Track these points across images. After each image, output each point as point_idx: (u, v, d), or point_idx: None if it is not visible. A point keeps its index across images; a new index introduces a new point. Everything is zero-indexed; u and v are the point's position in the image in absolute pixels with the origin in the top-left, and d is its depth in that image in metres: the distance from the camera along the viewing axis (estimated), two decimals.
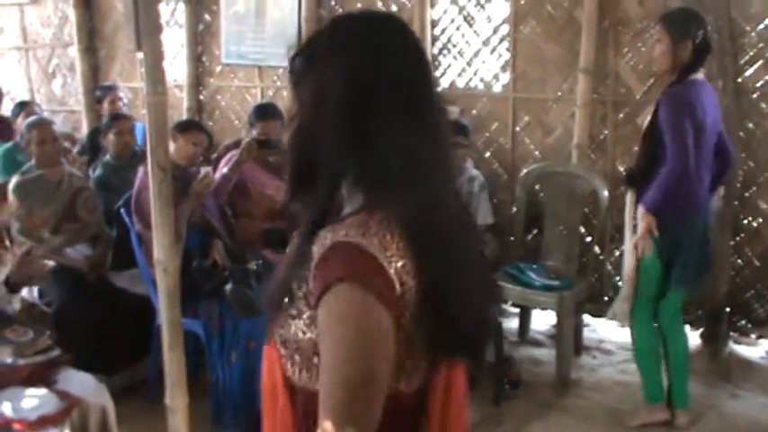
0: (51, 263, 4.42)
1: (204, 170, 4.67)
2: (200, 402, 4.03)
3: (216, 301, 4.34)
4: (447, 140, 1.54)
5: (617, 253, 5.28)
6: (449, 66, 6.13)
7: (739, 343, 5.36)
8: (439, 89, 1.54)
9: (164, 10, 7.20)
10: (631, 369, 4.67)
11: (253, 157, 4.81)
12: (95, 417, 3.34)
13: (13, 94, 8.44)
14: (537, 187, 5.57)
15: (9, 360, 3.40)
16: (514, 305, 5.67)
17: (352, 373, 1.24)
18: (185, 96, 7.42)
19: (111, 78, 7.76)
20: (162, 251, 3.44)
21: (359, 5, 6.44)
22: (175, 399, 3.56)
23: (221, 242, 4.66)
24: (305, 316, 1.39)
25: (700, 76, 4.06)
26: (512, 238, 5.64)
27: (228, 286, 4.31)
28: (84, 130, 7.58)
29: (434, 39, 6.11)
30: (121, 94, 6.69)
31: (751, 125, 5.09)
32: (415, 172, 1.38)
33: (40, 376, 3.37)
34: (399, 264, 1.33)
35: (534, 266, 5.18)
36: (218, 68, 7.33)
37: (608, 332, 5.58)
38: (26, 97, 8.10)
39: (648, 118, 4.17)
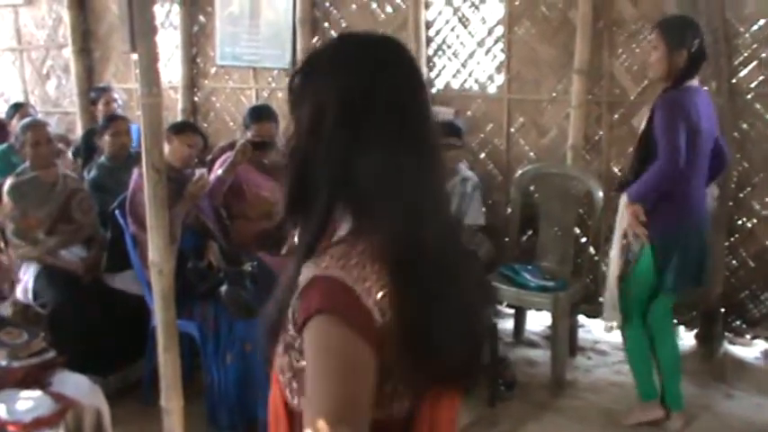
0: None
1: (199, 172, 4.67)
2: (195, 404, 4.02)
3: (211, 303, 4.33)
4: (441, 166, 1.54)
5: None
6: (443, 67, 6.13)
7: (734, 343, 5.36)
8: (433, 115, 1.53)
9: (158, 11, 7.18)
10: (626, 370, 4.67)
11: (248, 158, 4.81)
12: (90, 419, 3.34)
13: (8, 96, 8.46)
14: (532, 188, 5.58)
15: (3, 362, 3.40)
16: (509, 306, 5.67)
17: (331, 403, 1.26)
18: (180, 98, 7.41)
19: (106, 80, 7.74)
20: (157, 253, 3.43)
21: (353, 7, 6.43)
22: (170, 400, 3.55)
23: (216, 244, 4.66)
24: (297, 344, 1.39)
25: (694, 82, 4.08)
26: (506, 239, 5.65)
27: (223, 288, 4.31)
28: (79, 132, 7.57)
29: (429, 40, 6.12)
30: (116, 96, 6.68)
31: (745, 126, 5.10)
32: (403, 200, 1.38)
33: (35, 378, 3.37)
34: (379, 295, 1.33)
35: (529, 267, 5.18)
36: (213, 70, 7.32)
37: (603, 333, 5.57)
38: (20, 99, 8.08)
39: (644, 124, 4.18)
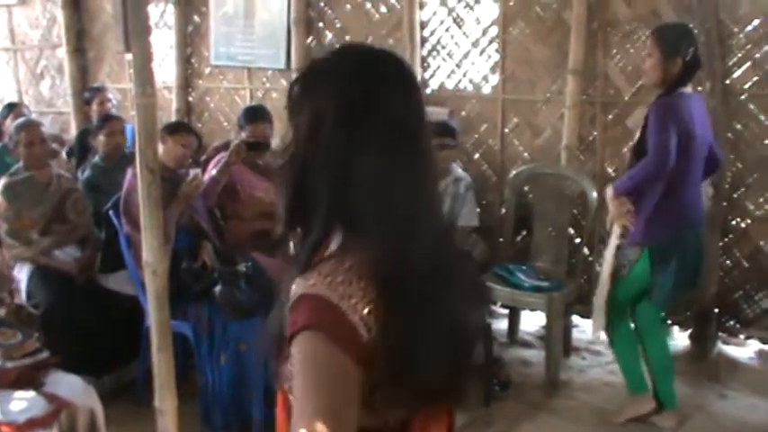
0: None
1: (193, 172, 4.67)
2: (190, 405, 4.02)
3: (205, 303, 4.33)
4: (435, 183, 1.56)
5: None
6: (438, 67, 6.14)
7: (728, 343, 5.38)
8: (430, 133, 1.53)
9: (153, 11, 7.18)
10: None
11: (242, 159, 4.81)
12: (84, 419, 3.34)
13: (1, 96, 8.44)
14: (526, 188, 5.58)
15: None
16: (504, 306, 5.68)
17: (316, 417, 1.28)
18: (174, 98, 7.40)
19: (100, 80, 7.73)
20: (151, 253, 3.43)
21: (348, 7, 6.43)
22: (164, 401, 3.55)
23: (210, 244, 4.65)
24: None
25: (688, 89, 4.10)
26: (501, 240, 5.65)
27: (218, 288, 4.30)
28: (73, 132, 7.56)
29: (424, 40, 6.12)
30: (110, 96, 6.67)
31: (739, 126, 5.10)
32: (394, 216, 1.39)
33: (29, 379, 3.36)
34: (365, 311, 1.34)
35: (523, 267, 5.19)
36: (208, 70, 7.32)
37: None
38: (14, 99, 8.07)
39: (638, 133, 4.20)
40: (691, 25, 4.43)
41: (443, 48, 6.08)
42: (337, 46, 1.56)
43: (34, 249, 4.78)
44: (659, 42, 4.04)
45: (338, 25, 6.53)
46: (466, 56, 6.01)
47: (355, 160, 1.39)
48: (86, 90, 7.27)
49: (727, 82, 5.06)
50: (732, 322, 5.34)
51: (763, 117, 5.05)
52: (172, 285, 3.63)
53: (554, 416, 4.60)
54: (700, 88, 4.85)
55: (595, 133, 5.51)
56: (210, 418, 4.24)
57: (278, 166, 1.49)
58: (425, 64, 6.13)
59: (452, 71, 6.09)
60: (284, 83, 6.84)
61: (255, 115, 5.08)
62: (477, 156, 6.01)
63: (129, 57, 6.67)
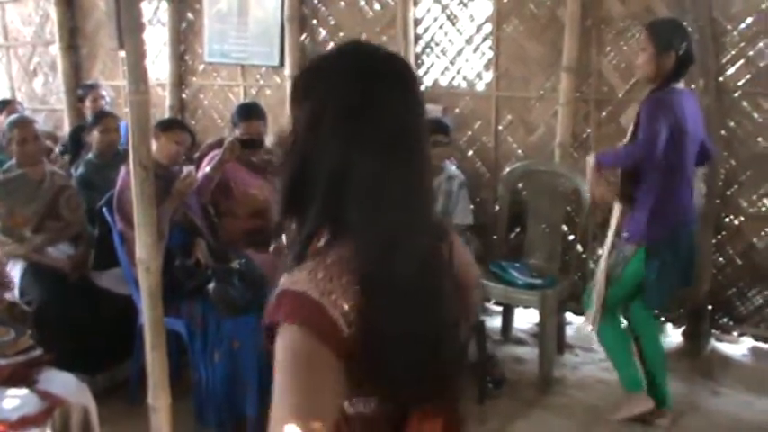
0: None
1: (187, 169, 4.65)
2: (183, 402, 4.01)
3: (199, 301, 4.32)
4: (429, 185, 1.59)
5: (599, 251, 5.29)
6: (432, 64, 6.14)
7: (721, 340, 5.39)
8: (428, 137, 1.56)
9: (146, 8, 7.18)
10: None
11: (236, 156, 4.79)
12: (77, 417, 3.33)
13: None
14: (520, 186, 5.59)
15: None
16: (497, 303, 5.69)
17: (291, 409, 1.31)
18: (168, 95, 7.40)
19: (93, 77, 7.73)
20: (144, 250, 3.42)
21: (342, 4, 6.44)
22: (158, 398, 3.54)
23: (204, 241, 4.65)
24: None
25: (681, 85, 4.10)
26: (494, 237, 5.65)
27: (211, 285, 4.29)
28: (66, 129, 7.55)
29: (417, 37, 6.12)
30: (103, 93, 6.65)
31: (732, 124, 5.11)
32: (383, 213, 1.40)
33: (22, 376, 3.35)
34: (346, 306, 1.36)
35: (517, 265, 5.19)
36: (201, 67, 7.32)
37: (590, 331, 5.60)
38: (7, 96, 8.06)
39: (631, 128, 4.20)
40: (684, 23, 4.43)
41: (437, 45, 6.09)
42: (342, 43, 1.57)
43: (27, 246, 4.77)
44: (653, 37, 4.04)
45: (332, 22, 6.53)
46: (460, 53, 6.02)
47: (352, 156, 1.40)
48: (80, 87, 7.26)
49: (721, 79, 5.06)
50: (725, 319, 5.36)
51: (756, 114, 5.06)
52: (165, 283, 3.62)
53: (548, 413, 4.61)
54: (693, 86, 4.86)
55: (589, 130, 5.52)
56: (204, 416, 4.23)
57: (280, 157, 1.51)
58: (419, 61, 6.13)
59: (446, 68, 6.09)
60: (278, 80, 6.85)
61: (249, 113, 5.07)
62: (470, 153, 6.02)
63: (122, 54, 6.66)
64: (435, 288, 1.48)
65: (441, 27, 6.05)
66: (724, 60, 5.05)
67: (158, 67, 7.47)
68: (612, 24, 5.36)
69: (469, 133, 6.00)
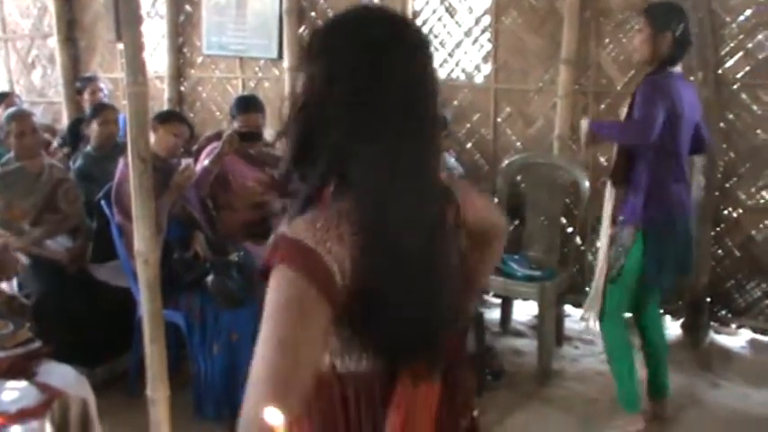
0: (25, 258, 4.39)
1: (185, 162, 4.65)
2: (182, 394, 4.01)
3: (197, 293, 4.32)
4: (436, 148, 1.57)
5: (598, 243, 5.29)
6: None
7: (720, 333, 5.39)
8: (440, 104, 1.57)
9: (144, 0, 7.16)
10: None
11: (234, 149, 4.79)
12: (76, 409, 3.32)
13: None
14: (518, 178, 5.58)
15: None
16: (496, 296, 5.70)
17: (277, 345, 1.33)
18: (166, 87, 7.40)
19: (92, 69, 7.73)
20: (143, 243, 3.41)
21: None
22: (157, 391, 3.54)
23: (202, 234, 4.64)
24: None
25: (678, 68, 4.08)
26: None
27: (210, 278, 4.30)
28: (65, 122, 7.55)
29: None
30: (102, 85, 6.66)
31: (731, 116, 5.11)
32: (386, 169, 1.41)
33: (21, 369, 3.35)
34: (342, 257, 1.37)
35: (516, 257, 5.19)
36: (200, 59, 7.31)
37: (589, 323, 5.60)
38: (5, 88, 8.04)
39: (625, 110, 4.18)
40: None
41: (436, 37, 6.08)
42: (359, 5, 1.58)
43: (26, 239, 4.76)
44: (650, 18, 4.02)
45: (330, 14, 6.50)
46: (458, 45, 6.02)
47: (359, 119, 1.42)
48: (78, 80, 7.27)
49: (720, 72, 5.07)
50: (724, 312, 5.37)
51: (755, 107, 5.06)
52: (164, 275, 3.61)
53: (546, 405, 4.61)
54: (692, 78, 4.85)
55: None
56: (203, 408, 4.24)
57: (290, 113, 1.51)
58: None
59: (445, 60, 6.09)
60: (276, 72, 6.85)
61: (248, 105, 5.07)
62: (469, 145, 6.02)
63: (120, 46, 6.65)
64: (435, 251, 1.48)
65: (439, 19, 6.05)
66: (723, 52, 5.05)
67: (157, 59, 7.46)
68: (611, 16, 5.36)
69: (468, 126, 6.00)
